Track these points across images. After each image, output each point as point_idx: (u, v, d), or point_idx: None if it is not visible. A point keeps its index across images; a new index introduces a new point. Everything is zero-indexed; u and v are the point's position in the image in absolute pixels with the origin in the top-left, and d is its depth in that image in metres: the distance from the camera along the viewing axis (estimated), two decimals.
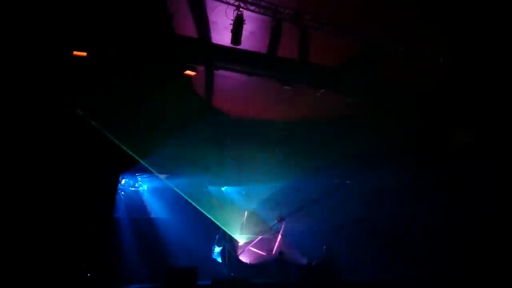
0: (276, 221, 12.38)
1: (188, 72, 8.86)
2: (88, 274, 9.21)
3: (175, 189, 11.42)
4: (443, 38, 9.13)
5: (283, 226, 12.40)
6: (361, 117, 10.34)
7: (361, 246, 11.80)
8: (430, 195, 11.89)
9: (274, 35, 8.40)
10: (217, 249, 11.54)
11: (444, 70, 9.70)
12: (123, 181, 11.76)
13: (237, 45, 8.11)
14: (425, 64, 9.57)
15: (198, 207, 11.38)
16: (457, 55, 9.44)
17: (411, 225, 11.92)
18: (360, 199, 12.66)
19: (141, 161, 9.91)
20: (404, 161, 11.32)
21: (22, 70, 7.84)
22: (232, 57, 8.78)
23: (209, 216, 11.47)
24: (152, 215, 11.92)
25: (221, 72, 9.25)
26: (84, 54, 8.03)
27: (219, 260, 11.43)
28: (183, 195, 11.37)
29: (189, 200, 11.35)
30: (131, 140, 9.36)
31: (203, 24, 8.35)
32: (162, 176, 11.74)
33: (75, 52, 7.98)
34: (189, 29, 8.39)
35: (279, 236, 12.42)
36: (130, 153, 9.48)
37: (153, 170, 10.80)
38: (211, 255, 11.55)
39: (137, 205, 11.93)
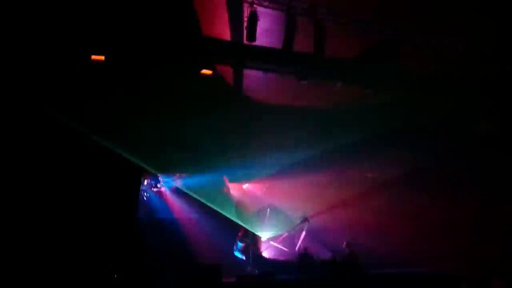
0: (300, 221, 12.32)
1: (204, 71, 8.92)
2: (115, 275, 9.35)
3: (189, 192, 11.51)
4: (461, 26, 8.94)
5: (307, 224, 12.34)
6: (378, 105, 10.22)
7: (383, 240, 11.64)
8: (452, 187, 11.69)
9: (289, 31, 8.36)
10: (240, 246, 11.55)
11: (463, 58, 9.51)
12: (145, 182, 11.88)
13: (252, 42, 8.11)
14: (444, 53, 9.39)
15: (216, 208, 11.44)
16: (475, 43, 9.24)
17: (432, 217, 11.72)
18: (381, 191, 12.51)
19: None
20: (425, 150, 11.17)
21: (44, 77, 8.02)
22: (247, 54, 8.81)
23: (228, 216, 11.51)
24: (175, 215, 12.01)
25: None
26: (102, 58, 8.14)
27: (242, 257, 11.45)
28: (198, 197, 11.44)
29: (205, 201, 11.41)
30: (151, 141, 9.49)
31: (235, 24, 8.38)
32: (182, 176, 11.83)
33: (93, 57, 8.10)
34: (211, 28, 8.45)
35: (303, 233, 12.36)
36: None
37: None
38: (233, 252, 11.57)
39: (160, 205, 12.05)
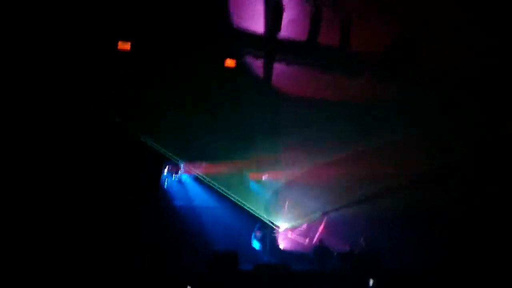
0: (319, 215, 12.34)
1: (228, 62, 8.96)
2: (134, 259, 9.54)
3: (208, 181, 11.60)
4: (490, 20, 8.72)
5: (325, 218, 12.36)
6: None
7: (404, 235, 11.52)
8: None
9: (315, 22, 8.33)
10: (258, 236, 11.66)
11: (492, 53, 9.27)
12: (166, 170, 12.03)
13: (277, 33, 8.11)
14: (471, 48, 9.18)
15: (235, 198, 11.51)
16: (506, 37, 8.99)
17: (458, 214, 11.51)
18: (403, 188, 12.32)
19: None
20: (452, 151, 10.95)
21: (69, 64, 8.15)
22: (271, 45, 8.80)
23: (247, 206, 11.59)
24: (194, 203, 12.16)
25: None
26: (128, 47, 8.25)
27: (259, 247, 11.56)
28: (217, 187, 11.53)
29: (224, 191, 11.49)
30: (174, 129, 9.58)
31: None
32: (202, 164, 11.94)
33: (119, 46, 8.21)
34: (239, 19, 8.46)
35: (321, 226, 12.39)
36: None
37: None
38: (251, 242, 11.68)
39: (180, 193, 12.20)
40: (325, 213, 12.37)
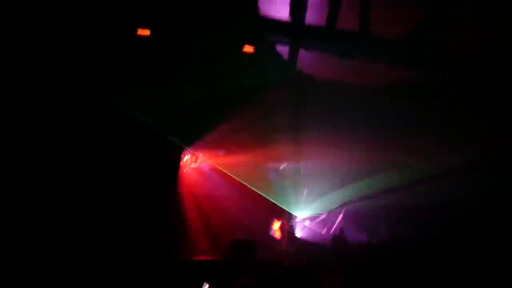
0: (338, 205, 12.27)
1: (246, 48, 8.89)
2: (154, 247, 9.61)
3: (226, 170, 11.61)
4: None
5: (344, 208, 12.28)
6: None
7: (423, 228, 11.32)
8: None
9: (333, 6, 8.23)
10: (276, 225, 11.65)
11: None
12: (185, 159, 12.07)
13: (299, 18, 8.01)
14: (497, 33, 8.95)
15: (253, 187, 11.49)
16: None
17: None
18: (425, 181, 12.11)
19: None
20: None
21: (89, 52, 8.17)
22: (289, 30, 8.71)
23: (265, 195, 11.56)
24: (212, 192, 12.17)
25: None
26: (148, 33, 8.26)
27: (278, 235, 11.55)
28: (235, 176, 11.53)
29: (242, 181, 11.48)
30: (192, 116, 9.56)
31: None
32: (220, 153, 11.95)
33: (139, 32, 8.22)
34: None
35: (340, 216, 12.32)
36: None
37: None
38: (269, 231, 11.67)
39: (198, 181, 12.24)
40: (344, 204, 12.28)
